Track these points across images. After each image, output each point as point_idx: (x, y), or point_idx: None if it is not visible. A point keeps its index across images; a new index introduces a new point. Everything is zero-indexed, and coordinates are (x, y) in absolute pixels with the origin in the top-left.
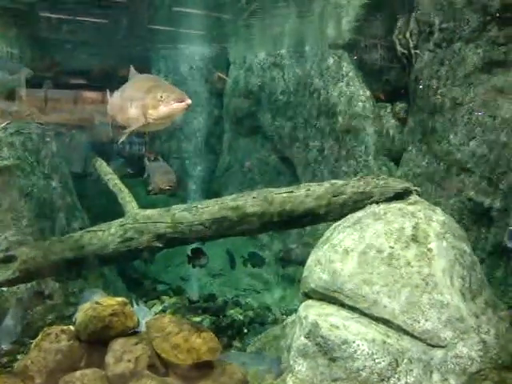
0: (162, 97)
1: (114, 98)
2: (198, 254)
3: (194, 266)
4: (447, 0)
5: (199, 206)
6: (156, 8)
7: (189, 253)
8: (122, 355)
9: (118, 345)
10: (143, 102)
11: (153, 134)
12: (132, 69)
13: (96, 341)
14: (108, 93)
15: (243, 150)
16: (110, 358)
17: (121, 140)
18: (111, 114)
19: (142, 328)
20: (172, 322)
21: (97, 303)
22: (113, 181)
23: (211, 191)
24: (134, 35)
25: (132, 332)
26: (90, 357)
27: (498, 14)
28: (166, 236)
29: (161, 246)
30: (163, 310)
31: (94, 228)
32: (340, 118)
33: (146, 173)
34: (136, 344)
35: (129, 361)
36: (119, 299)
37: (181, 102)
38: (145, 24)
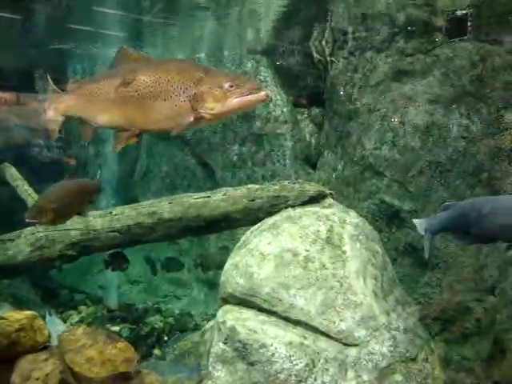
0: (231, 86)
1: (85, 91)
2: (118, 257)
3: (113, 270)
4: (359, 11)
5: (114, 212)
6: (73, 6)
7: (106, 257)
8: (30, 373)
9: (25, 362)
10: (196, 93)
11: (69, 138)
12: (125, 48)
13: (1, 360)
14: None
15: (162, 154)
16: (16, 378)
17: (118, 148)
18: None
19: (54, 342)
20: (86, 334)
21: (1, 318)
22: (22, 187)
23: (129, 197)
24: (50, 33)
25: (42, 347)
26: None
27: (409, 28)
28: (80, 244)
29: (75, 254)
30: (80, 321)
31: (2, 237)
32: (258, 122)
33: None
34: (46, 360)
35: (37, 379)
36: (28, 312)
37: (256, 92)
38: (61, 22)
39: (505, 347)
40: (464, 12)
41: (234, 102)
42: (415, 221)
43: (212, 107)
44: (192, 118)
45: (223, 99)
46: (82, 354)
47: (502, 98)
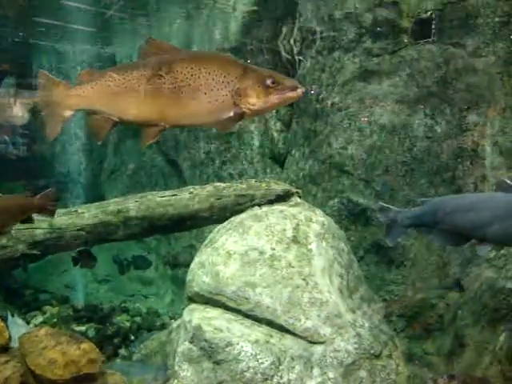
0: (273, 82)
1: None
2: (85, 254)
3: (81, 267)
4: (327, 11)
5: (79, 210)
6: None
7: (74, 254)
8: None
9: None
10: (239, 88)
11: (35, 134)
12: (154, 39)
13: None
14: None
15: (129, 152)
16: None
17: (146, 144)
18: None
19: (16, 344)
20: (48, 335)
21: None
22: None
23: (96, 195)
24: (16, 27)
25: (2, 349)
26: None
27: (378, 29)
28: (45, 242)
29: (39, 253)
30: (44, 322)
31: None
32: None
33: None
34: (6, 363)
35: None
36: None
37: (295, 89)
38: (29, 16)
39: (464, 342)
40: (429, 15)
41: (275, 98)
42: (378, 204)
43: (254, 103)
44: (232, 113)
45: (265, 95)
46: (45, 356)
47: (465, 99)
